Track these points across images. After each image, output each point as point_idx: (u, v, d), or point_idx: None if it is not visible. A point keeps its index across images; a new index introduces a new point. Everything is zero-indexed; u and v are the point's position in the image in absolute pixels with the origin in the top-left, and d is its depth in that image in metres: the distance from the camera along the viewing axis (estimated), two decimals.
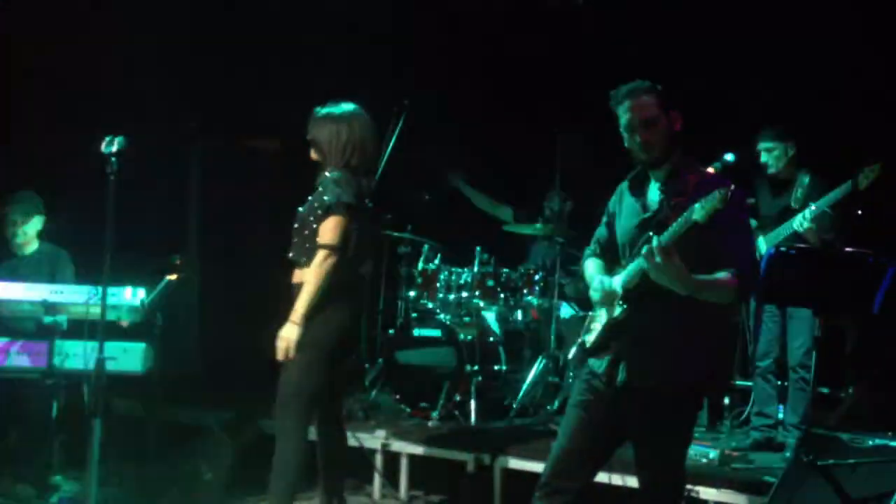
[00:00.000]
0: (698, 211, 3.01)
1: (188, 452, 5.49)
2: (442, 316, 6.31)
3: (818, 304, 4.57)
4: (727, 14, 6.49)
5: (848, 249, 4.48)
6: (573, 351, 3.56)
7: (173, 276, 5.11)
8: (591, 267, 3.58)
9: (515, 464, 5.18)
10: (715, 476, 4.66)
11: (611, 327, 3.35)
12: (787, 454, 5.02)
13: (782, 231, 5.24)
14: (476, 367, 6.03)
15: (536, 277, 6.48)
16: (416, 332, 6.27)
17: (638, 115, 3.30)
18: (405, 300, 6.68)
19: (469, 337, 6.13)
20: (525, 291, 6.48)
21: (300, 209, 4.24)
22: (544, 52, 7.19)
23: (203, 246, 7.71)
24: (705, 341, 3.29)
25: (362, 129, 4.26)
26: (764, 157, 5.39)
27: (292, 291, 4.18)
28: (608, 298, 3.38)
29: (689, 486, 4.43)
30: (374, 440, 5.59)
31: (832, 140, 5.86)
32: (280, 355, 4.07)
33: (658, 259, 3.03)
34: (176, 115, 7.35)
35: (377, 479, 5.56)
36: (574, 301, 6.63)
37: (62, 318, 4.87)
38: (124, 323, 4.97)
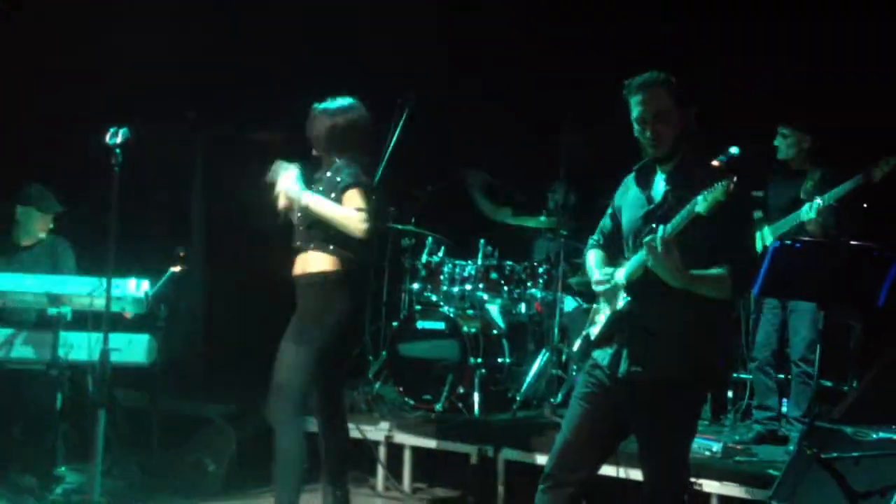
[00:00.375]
0: (701, 203, 3.01)
1: (191, 444, 5.51)
2: (445, 308, 6.31)
3: (823, 297, 4.55)
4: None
5: (853, 242, 4.46)
6: (577, 343, 3.55)
7: (177, 268, 5.12)
8: (593, 259, 3.58)
9: (519, 456, 5.19)
10: (718, 469, 4.66)
11: (615, 319, 3.34)
12: (791, 447, 5.01)
13: (788, 222, 5.23)
14: (479, 360, 6.03)
15: (540, 270, 6.48)
16: (420, 324, 6.26)
17: (650, 108, 3.27)
18: (409, 292, 6.68)
19: (472, 329, 6.13)
20: (529, 284, 6.48)
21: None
22: (549, 42, 7.18)
23: (207, 238, 7.72)
24: (709, 334, 3.28)
25: (359, 122, 4.29)
26: (777, 141, 5.39)
27: (295, 283, 4.17)
28: (610, 291, 3.37)
29: (692, 479, 4.45)
30: (377, 432, 5.60)
31: (849, 140, 5.83)
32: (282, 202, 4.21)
33: (659, 250, 3.02)
34: (178, 106, 7.35)
35: (381, 472, 5.58)
36: (579, 294, 6.63)
37: (66, 310, 4.87)
38: (128, 314, 4.97)
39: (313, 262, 4.14)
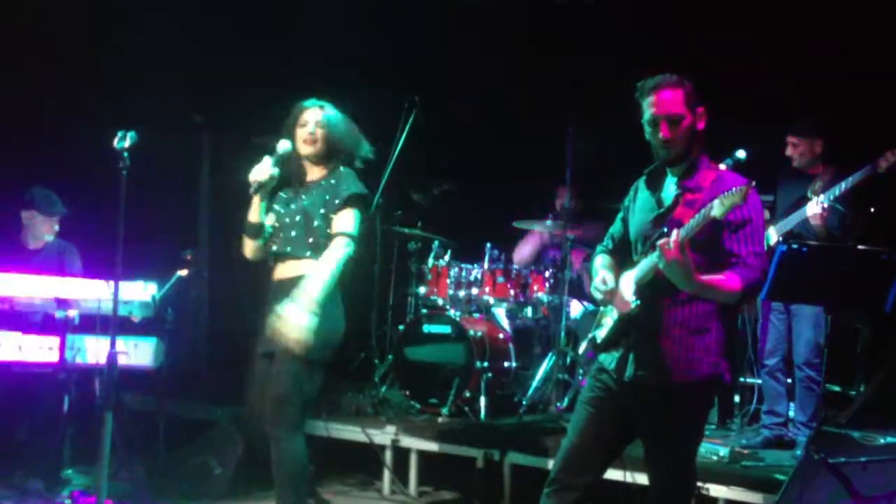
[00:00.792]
0: (717, 207, 2.99)
1: (197, 446, 5.50)
2: (452, 312, 6.31)
3: (830, 301, 4.54)
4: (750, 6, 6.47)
5: (860, 247, 4.45)
6: (584, 346, 3.55)
7: (184, 272, 5.13)
8: (598, 263, 3.57)
9: (525, 460, 5.18)
10: (725, 473, 4.65)
11: (622, 323, 3.34)
12: (798, 452, 5.00)
13: (793, 218, 5.21)
14: (486, 364, 6.03)
15: (546, 274, 6.48)
16: (426, 328, 6.26)
17: (662, 111, 3.24)
18: (415, 296, 6.69)
19: (479, 333, 6.13)
20: (535, 288, 6.47)
21: (303, 201, 4.09)
22: (555, 47, 7.19)
23: (213, 241, 7.73)
24: (716, 338, 3.27)
25: (345, 126, 4.20)
26: (789, 150, 5.38)
27: (278, 287, 4.01)
28: (609, 296, 3.36)
29: (699, 484, 4.44)
30: (383, 436, 5.60)
31: (859, 140, 5.82)
32: (297, 347, 3.79)
33: (673, 252, 3.01)
34: (184, 110, 7.37)
35: (387, 475, 5.57)
36: (586, 298, 6.63)
37: (74, 313, 4.88)
38: (135, 318, 4.98)
39: (306, 269, 3.98)
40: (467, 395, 5.99)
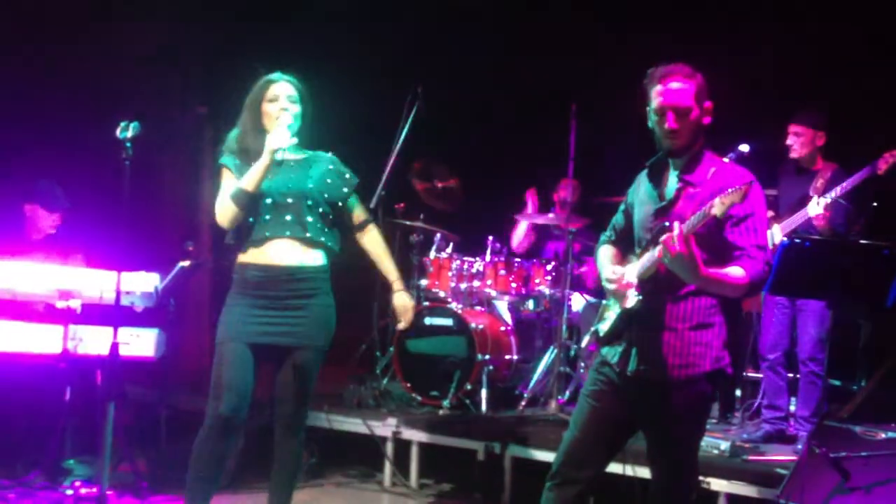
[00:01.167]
0: (717, 206, 2.97)
1: None
2: (453, 305, 6.31)
3: (832, 296, 4.54)
4: None
5: (862, 241, 4.45)
6: (586, 339, 3.55)
7: (186, 262, 5.12)
8: (604, 255, 3.57)
9: (526, 453, 5.19)
10: (726, 468, 4.66)
11: (625, 316, 3.34)
12: (799, 446, 5.01)
13: (797, 218, 5.21)
14: (487, 357, 6.04)
15: (548, 267, 6.48)
16: (428, 320, 6.26)
17: (670, 101, 3.20)
18: (417, 289, 6.69)
19: (480, 326, 6.13)
20: (537, 281, 6.47)
21: (308, 186, 3.91)
22: (557, 38, 7.18)
23: (216, 232, 7.72)
24: (719, 332, 3.27)
25: (309, 103, 4.04)
26: (790, 139, 5.37)
27: (294, 274, 3.86)
28: (621, 288, 3.36)
29: (700, 478, 4.44)
30: (384, 428, 5.60)
31: (860, 135, 5.82)
32: (408, 323, 4.16)
33: (677, 247, 3.00)
34: (186, 102, 7.35)
35: (388, 467, 5.58)
36: (588, 290, 6.63)
37: (76, 303, 4.88)
38: (138, 308, 4.98)
39: (315, 255, 3.91)
40: (468, 387, 6.00)
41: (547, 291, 6.45)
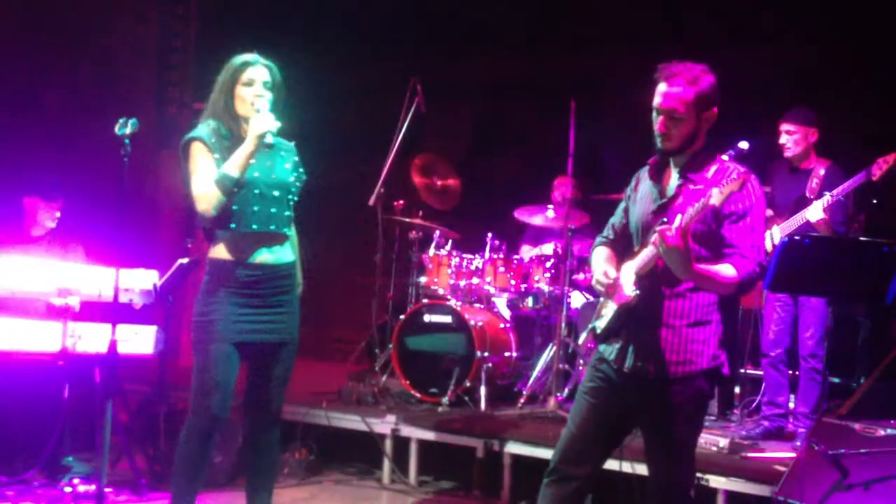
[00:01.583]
0: (716, 195, 2.97)
1: None
2: (452, 302, 6.31)
3: (831, 293, 4.53)
4: None
5: (862, 238, 4.44)
6: (584, 337, 3.54)
7: (185, 259, 5.12)
8: (598, 256, 3.55)
9: (525, 450, 5.19)
10: (725, 464, 4.65)
11: (622, 313, 3.33)
12: (798, 443, 5.01)
13: (795, 222, 5.21)
14: (486, 354, 6.04)
15: (547, 264, 6.47)
16: (427, 317, 6.26)
17: (665, 105, 3.19)
18: (416, 286, 6.69)
19: (479, 323, 6.13)
20: (536, 278, 6.47)
21: (290, 179, 3.87)
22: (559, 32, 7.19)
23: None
24: (716, 330, 3.27)
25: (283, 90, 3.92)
26: (783, 139, 5.37)
27: (280, 272, 3.83)
28: (615, 290, 3.35)
29: (698, 475, 4.44)
30: (384, 425, 5.60)
31: (853, 132, 5.82)
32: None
33: (673, 238, 3.00)
34: (184, 97, 7.35)
35: (387, 464, 5.58)
36: (586, 288, 6.62)
37: (74, 300, 4.88)
38: (136, 305, 4.98)
39: (291, 250, 3.91)
40: (467, 384, 6.00)
41: (546, 289, 6.45)
